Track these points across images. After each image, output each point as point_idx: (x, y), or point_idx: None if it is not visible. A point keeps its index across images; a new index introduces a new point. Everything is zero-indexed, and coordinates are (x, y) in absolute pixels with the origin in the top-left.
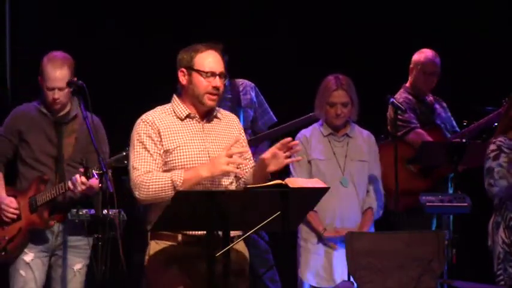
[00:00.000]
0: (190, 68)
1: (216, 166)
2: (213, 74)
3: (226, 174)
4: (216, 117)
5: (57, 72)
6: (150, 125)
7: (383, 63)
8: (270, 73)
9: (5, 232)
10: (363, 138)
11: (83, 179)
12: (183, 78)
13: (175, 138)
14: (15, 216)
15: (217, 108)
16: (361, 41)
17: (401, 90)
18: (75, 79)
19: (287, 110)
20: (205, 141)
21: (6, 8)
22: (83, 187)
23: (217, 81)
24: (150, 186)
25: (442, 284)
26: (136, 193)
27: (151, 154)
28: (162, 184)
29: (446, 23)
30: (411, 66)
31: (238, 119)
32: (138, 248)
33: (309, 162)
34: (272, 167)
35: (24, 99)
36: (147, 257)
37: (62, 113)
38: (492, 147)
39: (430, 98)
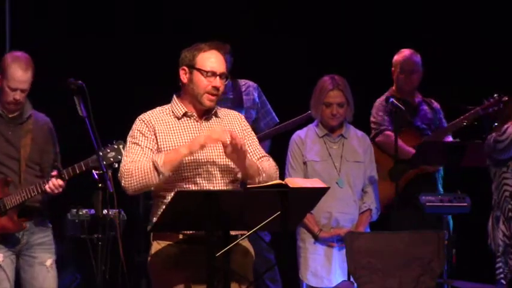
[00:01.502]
0: (192, 67)
1: (194, 142)
2: (214, 74)
3: (204, 147)
4: (215, 115)
5: (23, 74)
6: (145, 124)
7: (383, 63)
8: (271, 73)
9: None
10: (358, 139)
11: (59, 181)
12: (184, 77)
13: (171, 137)
14: None
15: (218, 107)
16: (361, 41)
17: (386, 92)
18: (70, 78)
19: (287, 110)
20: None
21: (6, 8)
22: (60, 190)
23: (218, 82)
24: (133, 173)
25: (442, 284)
26: (122, 182)
27: (141, 148)
28: (144, 170)
29: (446, 22)
30: (392, 68)
31: (241, 115)
32: (138, 248)
33: (304, 163)
34: (235, 159)
35: None
36: (149, 258)
37: (16, 113)
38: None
39: (418, 98)
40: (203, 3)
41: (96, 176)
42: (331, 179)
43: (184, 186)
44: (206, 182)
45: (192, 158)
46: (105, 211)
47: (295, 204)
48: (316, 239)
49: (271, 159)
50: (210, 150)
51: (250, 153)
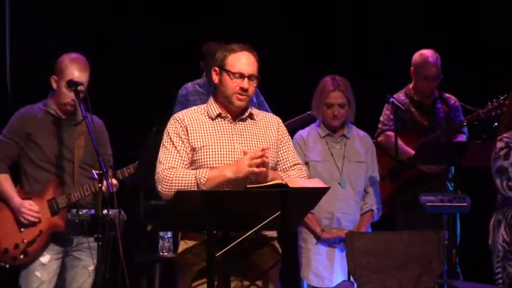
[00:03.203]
0: (222, 68)
1: (240, 168)
2: (242, 76)
3: (251, 175)
4: (250, 118)
5: (81, 75)
6: (179, 123)
7: (382, 63)
8: (270, 73)
9: (23, 235)
10: (359, 139)
11: (114, 181)
12: (215, 77)
13: (203, 137)
14: (37, 220)
15: (254, 109)
16: (361, 41)
17: (402, 90)
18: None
19: (287, 111)
20: (235, 142)
21: (6, 8)
22: (115, 189)
23: (245, 83)
24: (173, 182)
25: (442, 284)
26: (159, 187)
27: (178, 151)
28: (185, 181)
29: (446, 22)
30: (412, 68)
31: (279, 120)
32: (138, 248)
33: (306, 163)
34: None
35: (24, 100)
36: (177, 256)
37: (70, 115)
38: (500, 144)
39: (434, 96)
40: (204, 2)
41: (96, 176)
42: (333, 179)
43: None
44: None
45: (222, 158)
46: (105, 211)
47: (295, 204)
48: (319, 239)
49: (304, 167)
50: (238, 151)
51: (283, 161)
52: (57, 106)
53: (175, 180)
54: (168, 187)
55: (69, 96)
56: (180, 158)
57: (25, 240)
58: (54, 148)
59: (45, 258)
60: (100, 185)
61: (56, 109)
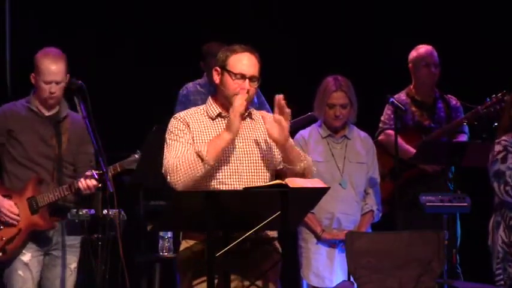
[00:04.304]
0: (223, 68)
1: (231, 122)
2: (243, 77)
3: (242, 112)
4: (249, 117)
5: (54, 66)
6: (181, 121)
7: (382, 63)
8: (270, 73)
9: (2, 233)
10: (360, 140)
11: (93, 181)
12: (216, 77)
13: (204, 136)
14: (15, 222)
15: (252, 109)
16: (361, 40)
17: (403, 91)
18: (70, 78)
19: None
20: (236, 141)
21: (6, 8)
22: (93, 190)
23: (246, 84)
24: (178, 167)
25: (442, 284)
26: (168, 179)
27: (182, 143)
28: (188, 160)
29: (446, 22)
30: (410, 65)
31: None
32: (138, 248)
33: None
34: (276, 135)
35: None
36: (177, 255)
37: (53, 112)
38: (498, 147)
39: (436, 95)
40: (204, 2)
41: (96, 176)
42: (334, 180)
43: (216, 186)
44: (237, 182)
45: (223, 157)
46: (105, 211)
47: (295, 204)
48: (319, 239)
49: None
50: (242, 148)
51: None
52: (40, 102)
53: (180, 165)
54: (175, 175)
55: (47, 89)
56: (183, 146)
57: (4, 238)
58: (36, 145)
59: (26, 257)
60: (100, 184)
61: (39, 106)
